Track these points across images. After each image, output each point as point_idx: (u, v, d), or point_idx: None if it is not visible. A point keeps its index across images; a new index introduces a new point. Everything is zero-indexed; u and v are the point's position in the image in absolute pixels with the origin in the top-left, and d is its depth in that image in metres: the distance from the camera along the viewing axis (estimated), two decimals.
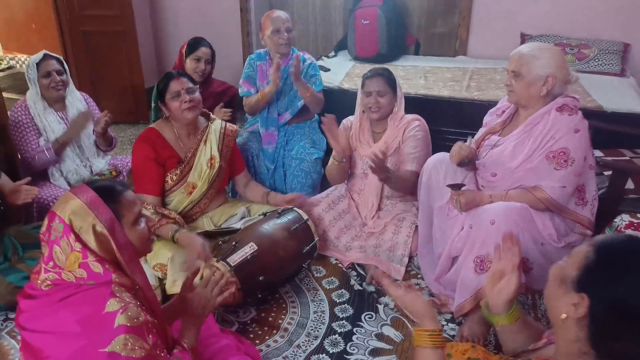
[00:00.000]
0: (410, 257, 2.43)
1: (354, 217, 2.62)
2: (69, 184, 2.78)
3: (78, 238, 1.25)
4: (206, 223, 2.48)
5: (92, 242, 1.26)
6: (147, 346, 1.19)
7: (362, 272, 2.44)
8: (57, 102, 2.75)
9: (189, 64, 2.99)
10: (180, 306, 1.52)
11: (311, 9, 4.44)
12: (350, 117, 2.66)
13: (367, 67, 3.61)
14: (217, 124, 2.46)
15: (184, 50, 3.04)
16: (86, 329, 1.17)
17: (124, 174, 2.89)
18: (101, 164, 2.93)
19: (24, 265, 2.22)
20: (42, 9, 5.31)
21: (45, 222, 1.30)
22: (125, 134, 4.22)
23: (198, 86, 2.38)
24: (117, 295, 1.22)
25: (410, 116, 2.53)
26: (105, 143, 2.91)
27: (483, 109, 2.82)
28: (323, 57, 3.90)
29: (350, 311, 2.17)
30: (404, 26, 3.97)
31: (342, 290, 2.30)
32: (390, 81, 2.46)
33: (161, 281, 2.23)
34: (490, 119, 2.29)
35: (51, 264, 1.26)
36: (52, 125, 2.71)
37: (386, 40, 3.74)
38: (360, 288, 2.30)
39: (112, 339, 1.16)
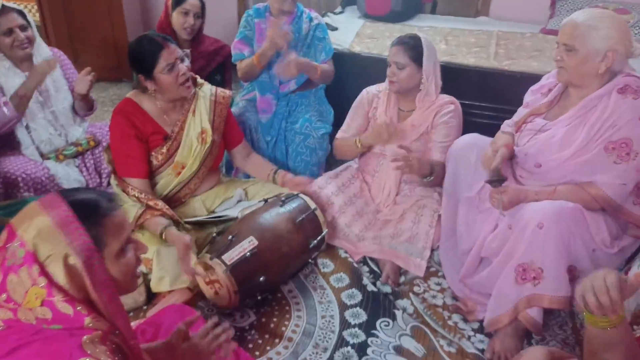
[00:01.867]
0: (431, 251, 2.14)
1: (367, 202, 2.31)
2: (41, 154, 2.43)
3: (43, 271, 0.92)
4: (198, 207, 2.16)
5: (60, 277, 0.93)
6: None
7: (375, 267, 2.15)
8: (23, 62, 2.35)
9: (176, 18, 2.62)
10: (170, 355, 1.22)
11: None
12: (373, 87, 2.33)
13: (379, 26, 3.25)
14: (206, 90, 2.10)
15: (169, 2, 2.64)
16: None
17: (103, 144, 2.53)
18: (78, 131, 2.56)
19: None
20: None
21: (2, 236, 0.97)
22: (106, 94, 3.82)
23: (189, 51, 2.01)
24: (89, 352, 0.90)
25: (444, 98, 2.19)
26: (85, 107, 2.54)
27: (515, 82, 2.52)
28: (329, 14, 3.48)
29: (364, 317, 1.89)
30: None
31: (354, 289, 2.01)
32: (413, 52, 2.10)
33: (145, 276, 1.93)
34: (533, 98, 1.95)
35: (4, 296, 0.94)
36: (18, 87, 2.32)
37: None
38: (374, 289, 2.01)
39: None
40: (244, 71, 2.55)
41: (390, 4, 3.33)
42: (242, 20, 2.60)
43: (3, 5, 2.26)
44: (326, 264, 2.14)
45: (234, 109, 2.55)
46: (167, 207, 1.94)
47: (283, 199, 2.01)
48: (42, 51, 2.42)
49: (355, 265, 2.13)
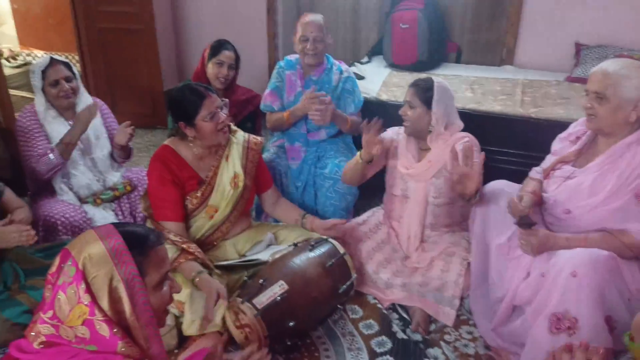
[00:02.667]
0: (461, 299, 2.12)
1: (395, 248, 2.31)
2: (79, 198, 2.53)
3: (88, 289, 1.01)
4: (229, 250, 2.20)
5: (104, 298, 1.02)
6: None
7: (404, 315, 2.13)
8: (67, 110, 2.49)
9: (211, 69, 2.73)
10: None
11: (340, 11, 4.13)
12: (394, 128, 2.37)
13: (405, 75, 3.34)
14: (239, 137, 2.18)
15: (206, 53, 2.77)
16: None
17: (139, 189, 2.62)
18: (115, 177, 2.66)
19: (25, 296, 1.96)
20: (59, 2, 5.10)
21: (56, 261, 1.06)
22: (141, 140, 3.96)
23: (227, 101, 2.10)
24: None
25: (458, 134, 2.23)
26: (123, 155, 2.65)
27: (541, 129, 2.54)
28: (356, 63, 3.59)
29: None
30: (445, 31, 3.64)
31: (383, 337, 2.00)
32: (424, 95, 2.15)
33: (177, 319, 1.96)
34: (562, 145, 1.97)
35: (50, 313, 1.02)
36: (62, 135, 2.44)
37: (426, 47, 3.42)
38: (404, 336, 1.99)
39: None
40: (273, 124, 2.66)
41: (417, 54, 3.43)
42: (274, 72, 2.71)
43: (51, 58, 2.41)
44: (355, 310, 2.14)
45: (264, 155, 2.63)
46: (200, 251, 1.98)
47: (312, 243, 2.04)
48: (85, 100, 2.56)
49: (385, 312, 2.13)
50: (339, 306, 2.08)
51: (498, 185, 2.05)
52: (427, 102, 2.15)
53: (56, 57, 2.48)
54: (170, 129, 2.15)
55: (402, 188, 2.28)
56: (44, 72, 2.38)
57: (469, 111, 2.72)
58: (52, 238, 2.32)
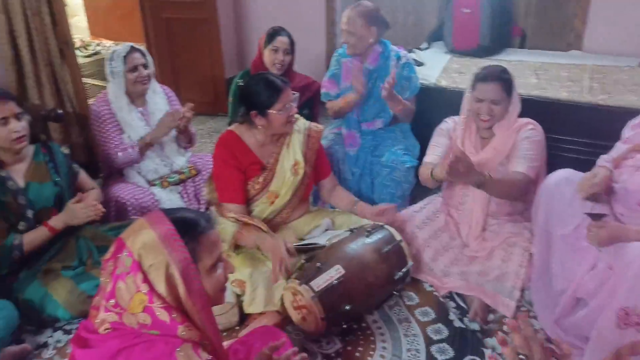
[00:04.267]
0: (522, 291, 2.07)
1: (452, 236, 2.29)
2: (147, 182, 2.66)
3: (146, 279, 1.04)
4: (289, 234, 2.24)
5: (161, 285, 1.04)
6: None
7: (462, 303, 2.11)
8: (138, 97, 2.62)
9: (267, 55, 2.77)
10: None
11: None
12: (454, 117, 2.32)
13: (466, 61, 3.26)
14: (300, 124, 2.22)
15: (262, 42, 2.82)
16: None
17: (203, 173, 2.73)
18: (181, 161, 2.78)
19: (98, 271, 2.09)
20: None
21: (112, 249, 1.10)
22: (204, 127, 4.09)
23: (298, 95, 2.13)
24: None
25: (522, 120, 2.16)
26: (185, 139, 2.76)
27: (612, 117, 2.42)
28: (415, 50, 3.54)
29: (450, 353, 1.86)
30: (509, 15, 3.52)
31: (439, 324, 2.00)
32: (508, 87, 2.09)
33: (239, 297, 2.04)
34: (633, 133, 1.88)
35: (112, 301, 1.06)
36: (132, 122, 2.58)
37: (489, 31, 3.32)
38: (461, 325, 1.98)
39: None
40: (333, 111, 2.68)
41: (478, 39, 3.34)
42: (332, 59, 2.73)
43: (131, 46, 2.54)
44: (411, 297, 2.15)
45: (322, 142, 2.66)
46: (262, 223, 2.04)
47: (369, 229, 2.05)
48: (155, 88, 2.68)
49: (441, 299, 2.12)
50: (394, 292, 2.10)
51: (563, 174, 1.98)
52: (510, 92, 2.10)
53: (136, 45, 2.61)
54: (240, 116, 2.19)
55: None
56: (125, 58, 2.51)
57: (533, 98, 2.63)
58: (123, 217, 2.46)
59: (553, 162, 2.19)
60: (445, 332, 1.96)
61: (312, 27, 4.23)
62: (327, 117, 3.01)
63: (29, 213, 2.04)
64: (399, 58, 2.62)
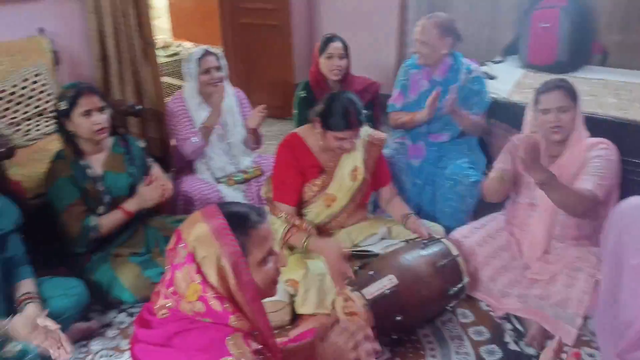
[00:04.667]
0: (585, 319, 1.98)
1: (514, 256, 2.22)
2: (215, 179, 2.78)
3: (199, 269, 1.09)
4: (343, 239, 2.26)
5: (212, 276, 1.09)
6: None
7: (518, 326, 2.04)
8: (211, 97, 2.74)
9: (324, 64, 2.76)
10: (310, 354, 1.31)
11: (477, 7, 4.00)
12: (521, 135, 2.25)
13: (541, 77, 3.14)
14: (363, 132, 2.23)
15: (316, 51, 2.82)
16: None
17: (267, 174, 2.80)
18: (247, 161, 2.89)
19: (163, 259, 2.20)
20: None
21: (172, 240, 1.17)
22: (271, 129, 4.20)
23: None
24: (231, 352, 1.04)
25: (594, 139, 2.07)
26: (253, 140, 2.85)
27: None
28: (487, 63, 3.46)
29: None
30: (589, 31, 3.36)
31: (494, 345, 1.94)
32: (572, 93, 2.04)
33: (292, 297, 2.08)
34: None
35: (171, 289, 1.13)
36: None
37: (567, 47, 3.19)
38: (517, 348, 1.92)
39: None
40: (395, 123, 2.67)
41: (556, 54, 3.22)
42: (400, 70, 2.73)
43: (206, 50, 2.67)
44: (466, 315, 2.10)
45: (385, 151, 2.66)
46: (310, 226, 2.08)
47: (425, 241, 2.04)
48: (228, 89, 2.79)
49: (497, 320, 2.06)
50: (448, 308, 2.06)
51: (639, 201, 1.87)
52: (575, 100, 2.04)
53: (210, 49, 2.74)
54: (306, 117, 2.23)
55: (529, 196, 2.18)
56: (199, 60, 2.64)
57: (611, 119, 2.50)
58: (189, 211, 2.57)
59: (630, 188, 2.07)
60: (498, 354, 1.90)
61: (384, 37, 4.24)
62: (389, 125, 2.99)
63: (106, 198, 2.18)
64: (469, 71, 2.58)
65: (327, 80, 2.81)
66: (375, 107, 2.95)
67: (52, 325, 1.71)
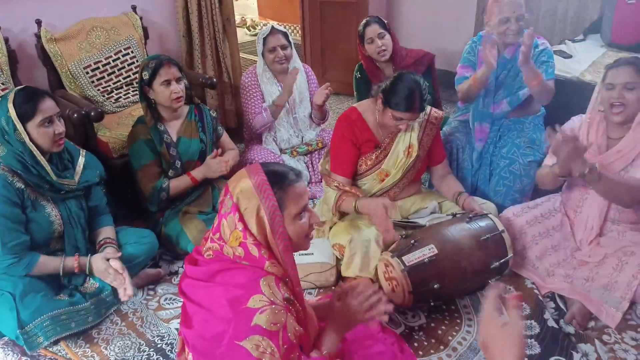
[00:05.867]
0: (632, 304, 1.93)
1: (566, 237, 2.18)
2: (280, 150, 2.95)
3: (241, 218, 1.24)
4: (395, 211, 2.35)
5: (253, 225, 1.24)
6: (278, 354, 1.14)
7: (562, 305, 2.03)
8: (280, 73, 2.90)
9: (368, 49, 2.77)
10: (328, 312, 1.44)
11: None
12: (583, 115, 2.18)
13: (623, 56, 2.97)
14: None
15: (358, 42, 2.84)
16: (232, 313, 1.17)
17: (326, 148, 2.93)
18: (312, 134, 3.03)
19: None
20: None
21: (223, 192, 1.32)
22: (343, 106, 4.31)
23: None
24: (263, 291, 1.18)
25: None
26: (319, 115, 2.98)
27: None
28: (567, 41, 3.32)
29: (537, 349, 1.83)
30: None
31: (533, 321, 1.95)
32: None
33: (338, 261, 2.21)
34: None
35: (217, 235, 1.29)
36: (273, 95, 2.87)
37: None
38: (555, 325, 1.92)
39: (248, 336, 1.13)
40: (462, 92, 2.61)
41: None
42: (467, 46, 2.68)
43: (272, 28, 2.82)
44: (509, 290, 2.12)
45: (445, 128, 2.68)
46: (360, 191, 2.17)
47: (471, 215, 2.07)
48: (298, 65, 2.92)
49: (541, 298, 2.06)
50: (490, 281, 2.08)
51: None
52: None
53: (276, 26, 2.88)
54: (363, 98, 2.28)
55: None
56: (265, 39, 2.81)
57: None
58: None
59: None
60: (536, 329, 1.91)
61: (462, 15, 4.16)
62: (452, 103, 2.95)
63: (178, 163, 2.42)
64: (536, 46, 2.50)
65: (376, 61, 2.82)
66: (433, 77, 2.87)
67: (120, 268, 1.98)
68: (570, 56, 3.01)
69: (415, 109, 2.07)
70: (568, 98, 2.62)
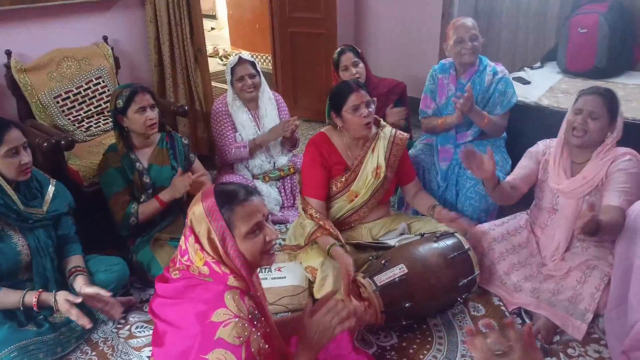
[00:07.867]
0: (595, 317, 2.00)
1: (532, 254, 2.26)
2: (252, 175, 2.98)
3: (197, 240, 1.30)
4: (365, 233, 2.41)
5: (207, 247, 1.29)
6: None
7: (528, 320, 2.09)
8: (250, 102, 2.96)
9: (342, 76, 2.86)
10: (298, 329, 1.47)
11: (523, 15, 4.03)
12: (547, 140, 2.29)
13: (577, 83, 3.15)
14: (387, 131, 2.36)
15: (332, 68, 2.95)
16: (199, 327, 1.19)
17: (298, 173, 2.98)
18: (284, 160, 3.08)
19: None
20: (265, 9, 5.86)
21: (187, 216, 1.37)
22: (314, 132, 4.33)
23: (375, 99, 2.28)
24: (227, 305, 1.21)
25: (620, 149, 2.06)
26: (289, 143, 3.04)
27: None
28: (525, 68, 3.49)
29: None
30: (631, 37, 3.31)
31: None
32: (611, 106, 2.02)
33: (311, 284, 2.24)
34: None
35: (186, 257, 1.33)
36: (244, 123, 2.93)
37: (606, 53, 3.17)
38: None
39: (212, 349, 1.16)
40: (426, 128, 2.76)
41: (594, 60, 3.21)
42: (428, 75, 2.81)
43: (240, 57, 2.89)
44: (477, 308, 2.17)
45: (411, 151, 2.77)
46: (334, 228, 2.22)
47: (438, 235, 2.13)
48: (265, 94, 3.00)
49: (508, 314, 2.11)
50: (459, 299, 2.14)
51: None
52: (613, 114, 2.03)
53: (244, 56, 2.95)
54: (329, 120, 2.39)
55: (551, 201, 2.21)
56: (233, 68, 2.87)
57: None
58: None
59: None
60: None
61: (427, 45, 4.33)
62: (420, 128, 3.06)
63: (150, 189, 2.43)
64: (495, 73, 2.63)
65: None
66: (405, 105, 2.96)
67: (104, 292, 1.98)
68: (528, 82, 3.16)
69: (358, 89, 2.19)
70: (527, 122, 2.74)
